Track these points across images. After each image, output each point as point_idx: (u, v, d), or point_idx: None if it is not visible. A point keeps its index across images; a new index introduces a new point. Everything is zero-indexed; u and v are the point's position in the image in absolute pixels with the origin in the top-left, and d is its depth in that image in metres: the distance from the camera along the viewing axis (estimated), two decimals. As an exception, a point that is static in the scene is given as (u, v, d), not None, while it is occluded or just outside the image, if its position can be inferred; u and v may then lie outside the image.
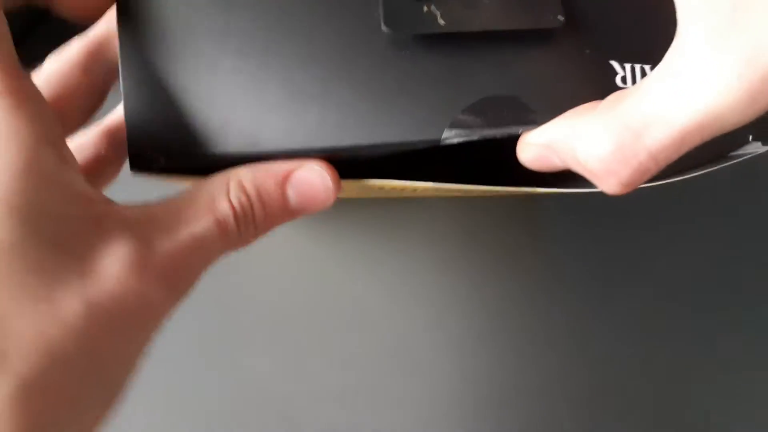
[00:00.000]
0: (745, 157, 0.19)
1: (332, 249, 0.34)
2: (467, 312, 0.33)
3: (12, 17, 0.38)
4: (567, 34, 0.18)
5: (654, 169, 0.15)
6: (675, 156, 0.15)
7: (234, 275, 0.34)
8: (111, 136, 0.20)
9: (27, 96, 0.14)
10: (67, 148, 0.15)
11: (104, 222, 0.14)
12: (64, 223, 0.13)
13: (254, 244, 0.35)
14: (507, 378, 0.31)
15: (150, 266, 0.14)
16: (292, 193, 0.17)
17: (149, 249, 0.14)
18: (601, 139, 0.15)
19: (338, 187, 0.18)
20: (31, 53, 0.38)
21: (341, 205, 0.36)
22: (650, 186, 0.19)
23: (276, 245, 0.35)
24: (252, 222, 0.17)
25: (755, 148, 0.19)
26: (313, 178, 0.17)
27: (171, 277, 0.15)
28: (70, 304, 0.13)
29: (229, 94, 0.17)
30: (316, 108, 0.17)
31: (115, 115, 0.21)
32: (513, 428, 0.30)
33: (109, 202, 0.15)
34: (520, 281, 0.34)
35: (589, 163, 0.15)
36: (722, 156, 0.20)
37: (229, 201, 0.16)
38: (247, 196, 0.16)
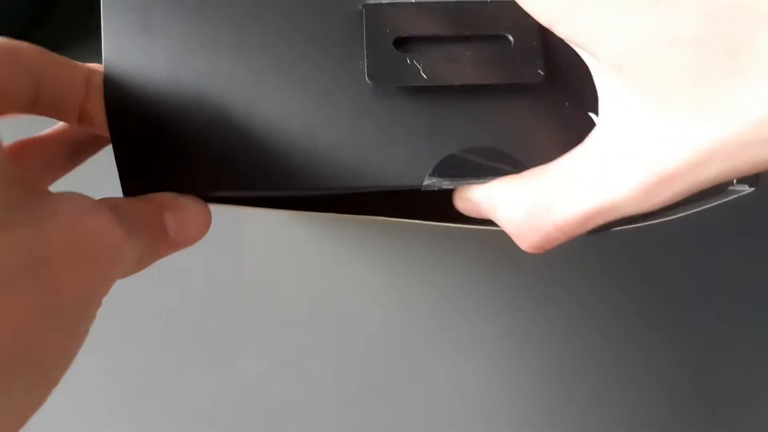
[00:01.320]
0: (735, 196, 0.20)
1: (332, 250, 0.34)
2: (467, 311, 0.33)
3: (12, 17, 0.38)
4: (546, 87, 0.18)
5: (563, 238, 0.17)
6: (581, 230, 0.16)
7: (234, 275, 0.34)
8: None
9: None
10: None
11: (48, 194, 0.15)
12: (12, 188, 0.14)
13: (255, 245, 0.35)
14: (506, 379, 0.31)
15: (104, 207, 0.15)
16: (171, 221, 0.18)
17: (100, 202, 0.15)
18: (516, 207, 0.17)
19: (209, 218, 0.19)
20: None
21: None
22: (642, 226, 0.20)
23: (276, 246, 0.35)
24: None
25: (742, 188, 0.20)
26: (187, 205, 0.18)
27: (129, 218, 0.15)
28: (24, 231, 0.13)
29: (216, 138, 0.17)
30: (302, 154, 0.17)
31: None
32: (513, 428, 0.30)
33: (46, 191, 0.15)
34: (521, 280, 0.34)
35: (505, 225, 0.18)
36: (717, 193, 0.20)
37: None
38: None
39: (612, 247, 0.35)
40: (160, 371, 0.30)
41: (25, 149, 0.19)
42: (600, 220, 0.16)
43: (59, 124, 0.20)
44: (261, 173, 0.17)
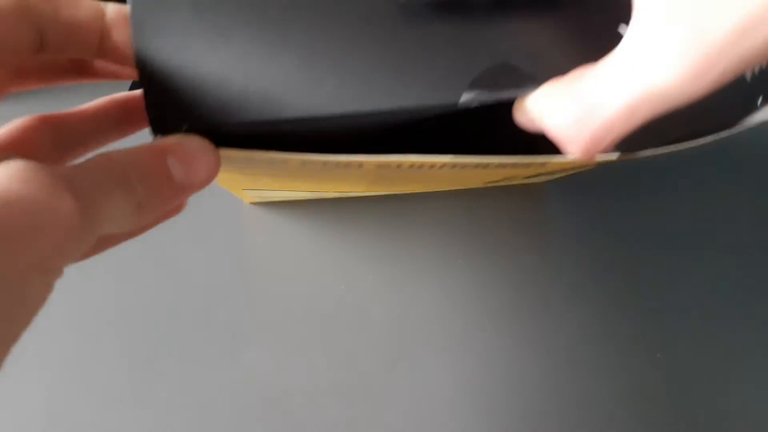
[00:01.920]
0: (753, 124, 0.19)
1: (335, 246, 0.34)
2: (468, 310, 0.33)
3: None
4: (576, 3, 0.18)
5: (608, 138, 0.16)
6: (628, 126, 0.16)
7: (234, 274, 0.34)
8: (119, 106, 0.21)
9: None
10: None
11: None
12: None
13: (257, 242, 0.35)
14: (508, 377, 0.31)
15: (51, 173, 0.14)
16: (174, 165, 0.17)
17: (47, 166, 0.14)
18: (563, 110, 0.17)
19: (218, 157, 0.18)
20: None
21: (344, 203, 0.36)
22: (652, 155, 0.20)
23: (277, 243, 0.35)
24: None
25: (765, 116, 0.19)
26: (193, 146, 0.17)
27: (76, 186, 0.14)
28: None
29: (248, 63, 0.17)
30: (335, 75, 0.17)
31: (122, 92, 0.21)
32: (513, 427, 0.30)
33: None
34: (522, 280, 0.34)
35: (554, 131, 0.17)
36: (726, 124, 0.20)
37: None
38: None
39: (611, 247, 0.35)
40: (160, 369, 0.31)
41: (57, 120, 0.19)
42: (646, 111, 0.15)
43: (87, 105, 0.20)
44: (293, 97, 0.17)
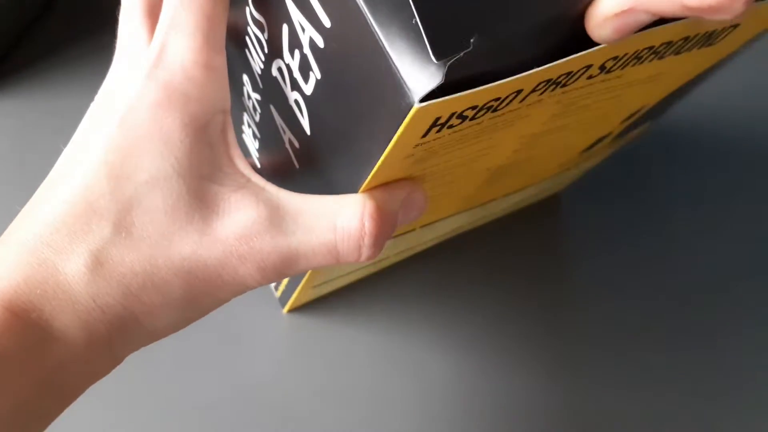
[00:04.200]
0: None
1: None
2: (469, 311, 0.33)
3: (12, 17, 0.38)
4: None
5: None
6: None
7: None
8: None
9: (220, 73, 0.17)
10: (231, 131, 0.18)
11: (240, 191, 0.17)
12: (209, 185, 0.16)
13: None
14: (508, 378, 0.31)
15: (253, 245, 0.16)
16: (401, 213, 0.18)
17: (260, 234, 0.16)
18: None
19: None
20: (30, 52, 0.38)
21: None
22: None
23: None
24: (371, 245, 0.17)
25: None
26: (419, 200, 0.18)
27: (265, 266, 0.17)
28: (185, 244, 0.16)
29: None
30: None
31: None
32: (513, 427, 0.30)
33: (249, 176, 0.17)
34: (523, 280, 0.34)
35: None
36: None
37: (361, 221, 0.16)
38: (376, 221, 0.17)
39: (611, 248, 0.35)
40: (161, 368, 0.30)
41: None
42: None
43: None
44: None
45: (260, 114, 0.23)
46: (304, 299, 0.31)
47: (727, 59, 0.22)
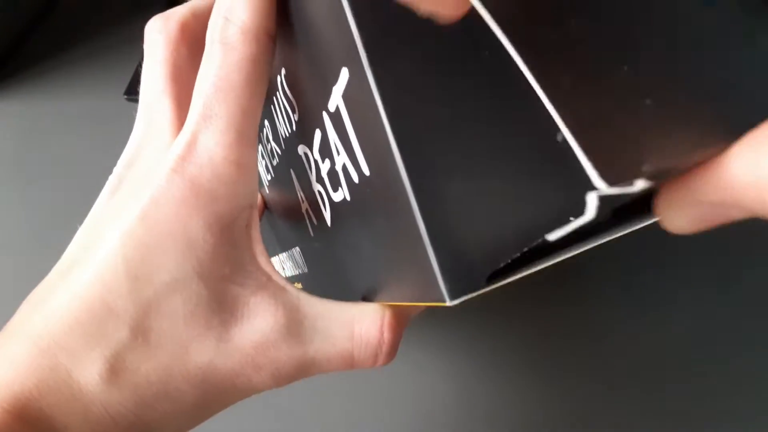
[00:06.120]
0: None
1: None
2: (469, 311, 0.33)
3: (12, 17, 0.39)
4: None
5: None
6: None
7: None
8: None
9: (251, 169, 0.16)
10: (256, 226, 0.17)
11: (260, 293, 0.16)
12: (230, 287, 0.16)
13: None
14: (507, 378, 0.31)
15: (270, 354, 0.16)
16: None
17: (278, 344, 0.16)
18: None
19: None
20: (31, 53, 0.38)
21: None
22: None
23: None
24: (388, 353, 0.17)
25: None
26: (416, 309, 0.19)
27: (279, 375, 0.16)
28: (202, 353, 0.16)
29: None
30: None
31: None
32: (513, 428, 0.30)
33: (270, 274, 0.17)
34: (525, 279, 0.34)
35: None
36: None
37: (380, 331, 0.17)
38: (395, 329, 0.17)
39: (612, 249, 0.35)
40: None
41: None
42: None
43: None
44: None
45: (278, 163, 0.22)
46: None
47: None
